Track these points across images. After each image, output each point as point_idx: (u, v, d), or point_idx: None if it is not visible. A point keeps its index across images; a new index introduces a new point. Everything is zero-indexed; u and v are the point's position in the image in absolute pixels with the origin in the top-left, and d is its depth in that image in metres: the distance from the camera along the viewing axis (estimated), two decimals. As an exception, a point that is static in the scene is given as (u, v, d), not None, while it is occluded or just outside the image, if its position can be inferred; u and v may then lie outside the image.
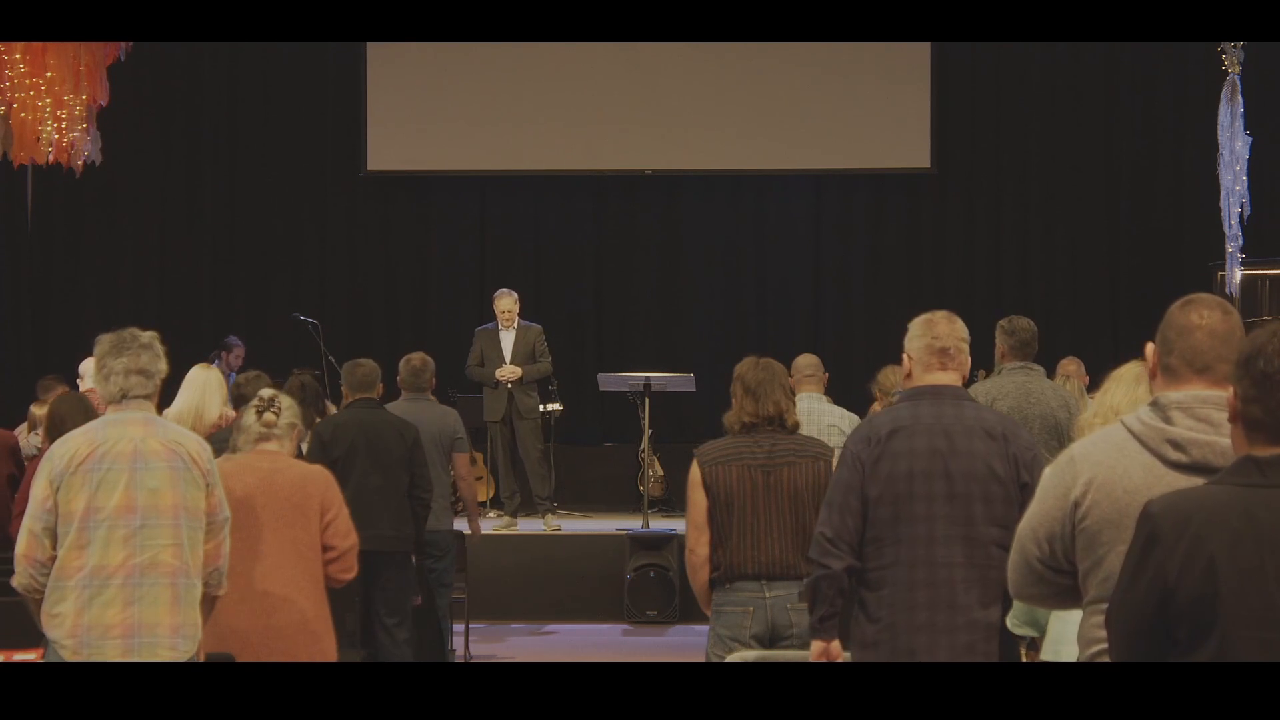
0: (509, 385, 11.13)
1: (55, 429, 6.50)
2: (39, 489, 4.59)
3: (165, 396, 5.11)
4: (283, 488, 5.28)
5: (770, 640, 5.20)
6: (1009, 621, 4.48)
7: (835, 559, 4.28)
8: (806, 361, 8.03)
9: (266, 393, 5.45)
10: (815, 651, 4.41)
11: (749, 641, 5.19)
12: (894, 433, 4.29)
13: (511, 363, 11.13)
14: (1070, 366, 9.70)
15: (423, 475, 7.40)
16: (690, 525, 5.36)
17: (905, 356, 4.45)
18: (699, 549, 5.30)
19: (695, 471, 5.33)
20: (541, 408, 11.56)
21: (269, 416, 5.35)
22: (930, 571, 4.21)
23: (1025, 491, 4.24)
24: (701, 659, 5.53)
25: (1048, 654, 4.51)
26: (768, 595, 5.20)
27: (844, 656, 4.44)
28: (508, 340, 11.23)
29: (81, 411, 6.51)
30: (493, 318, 11.37)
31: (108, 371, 4.67)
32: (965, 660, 4.17)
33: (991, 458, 4.24)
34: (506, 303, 11.25)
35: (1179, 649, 2.45)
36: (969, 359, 4.48)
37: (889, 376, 7.76)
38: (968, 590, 4.21)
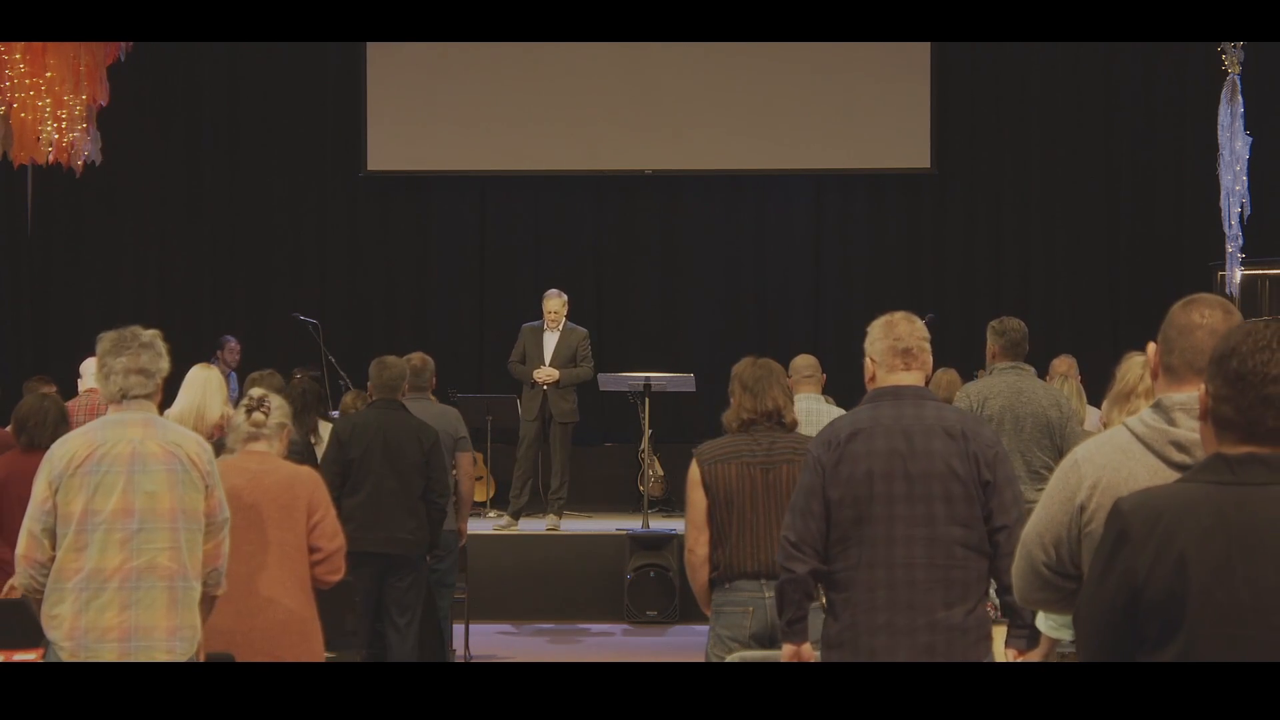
0: (544, 387, 11.12)
1: (20, 432, 6.50)
2: (39, 489, 4.59)
3: (166, 396, 5.10)
4: (271, 488, 5.27)
5: (770, 640, 5.20)
6: (1044, 624, 4.48)
7: (799, 563, 4.31)
8: (804, 362, 8.03)
9: (256, 392, 5.44)
10: (786, 654, 4.46)
11: (748, 641, 5.20)
12: (854, 435, 4.31)
13: (551, 364, 11.11)
14: (1062, 365, 9.71)
15: (440, 479, 7.43)
16: (689, 525, 5.37)
17: (868, 359, 4.46)
18: (698, 549, 5.31)
19: (694, 470, 5.35)
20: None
21: (258, 416, 5.34)
22: (889, 573, 4.22)
23: (988, 490, 4.25)
24: (701, 659, 5.53)
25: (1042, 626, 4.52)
26: (767, 595, 5.18)
27: (815, 658, 4.46)
28: (551, 341, 11.21)
29: (43, 413, 6.50)
30: (539, 315, 11.32)
31: (108, 370, 4.67)
32: (924, 661, 4.16)
33: (951, 457, 4.24)
34: (554, 304, 11.22)
35: (1147, 646, 2.45)
36: (930, 358, 4.49)
37: None
38: (929, 591, 4.20)
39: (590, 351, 11.29)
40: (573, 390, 11.26)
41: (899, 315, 4.47)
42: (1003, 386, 7.00)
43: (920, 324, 4.47)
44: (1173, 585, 2.42)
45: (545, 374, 11.07)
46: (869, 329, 4.49)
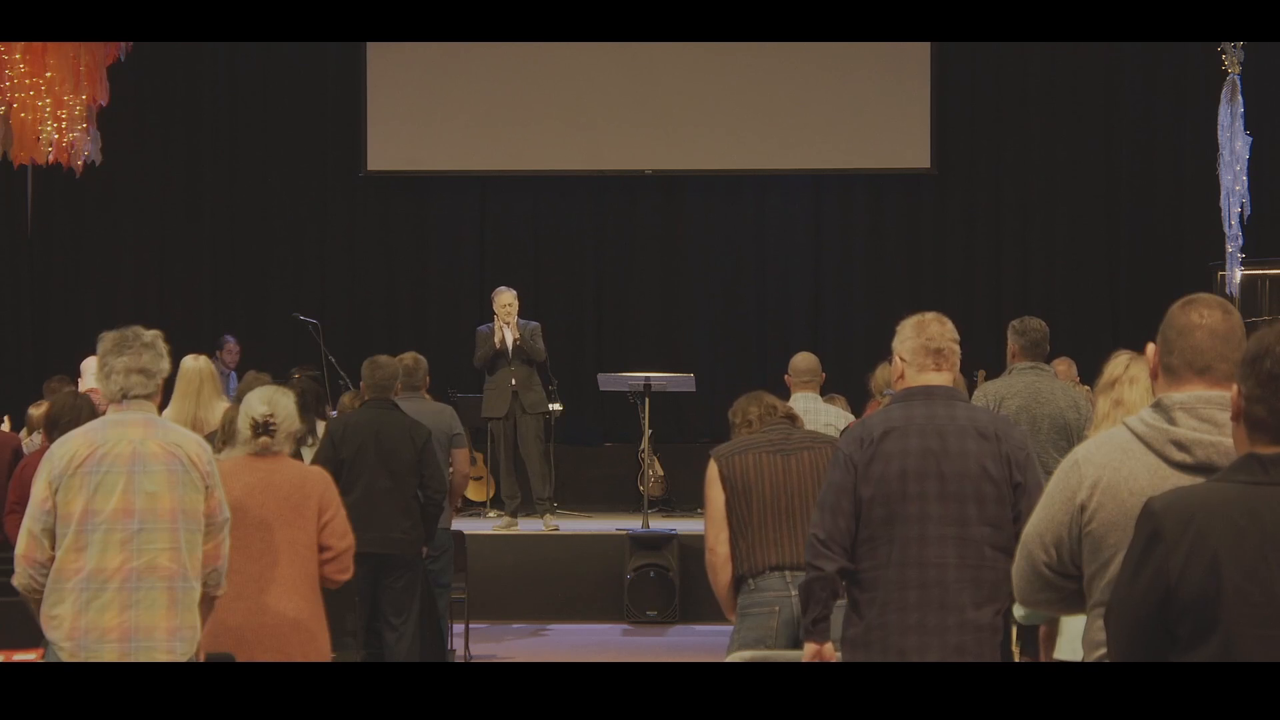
0: (513, 382, 11.11)
1: (52, 429, 6.50)
2: (38, 489, 4.58)
3: (164, 395, 5.10)
4: (281, 487, 5.28)
5: (797, 642, 5.03)
6: (1016, 613, 4.47)
7: (827, 561, 4.28)
8: (805, 365, 8.00)
9: (261, 411, 5.35)
10: (808, 654, 4.41)
11: (775, 645, 5.04)
12: (886, 434, 4.29)
13: (514, 358, 11.10)
14: (1060, 366, 9.67)
15: (436, 476, 7.44)
16: (709, 523, 5.25)
17: (897, 358, 4.44)
18: (719, 547, 5.20)
19: (711, 468, 5.25)
20: (553, 406, 11.52)
21: (264, 439, 5.32)
22: (921, 572, 4.21)
23: (1018, 491, 4.24)
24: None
25: (1064, 652, 4.51)
26: (794, 593, 4.99)
27: (837, 658, 4.44)
28: (509, 337, 11.22)
29: (76, 410, 6.50)
30: (492, 318, 11.35)
31: (109, 370, 4.67)
32: (955, 661, 4.16)
33: (984, 457, 4.24)
34: (507, 297, 11.23)
35: (1180, 647, 2.44)
36: (959, 359, 4.48)
37: (885, 374, 7.75)
38: (960, 591, 4.20)
39: (542, 340, 11.25)
40: (536, 377, 11.24)
41: (930, 315, 4.46)
42: (1021, 387, 6.96)
43: (951, 325, 4.46)
44: (1206, 585, 2.41)
45: (511, 329, 11.03)
46: (899, 328, 4.47)
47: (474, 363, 11.39)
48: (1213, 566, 2.41)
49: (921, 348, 4.39)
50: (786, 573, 5.07)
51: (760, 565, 5.13)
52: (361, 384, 7.72)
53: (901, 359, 4.43)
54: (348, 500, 7.10)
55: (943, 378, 4.39)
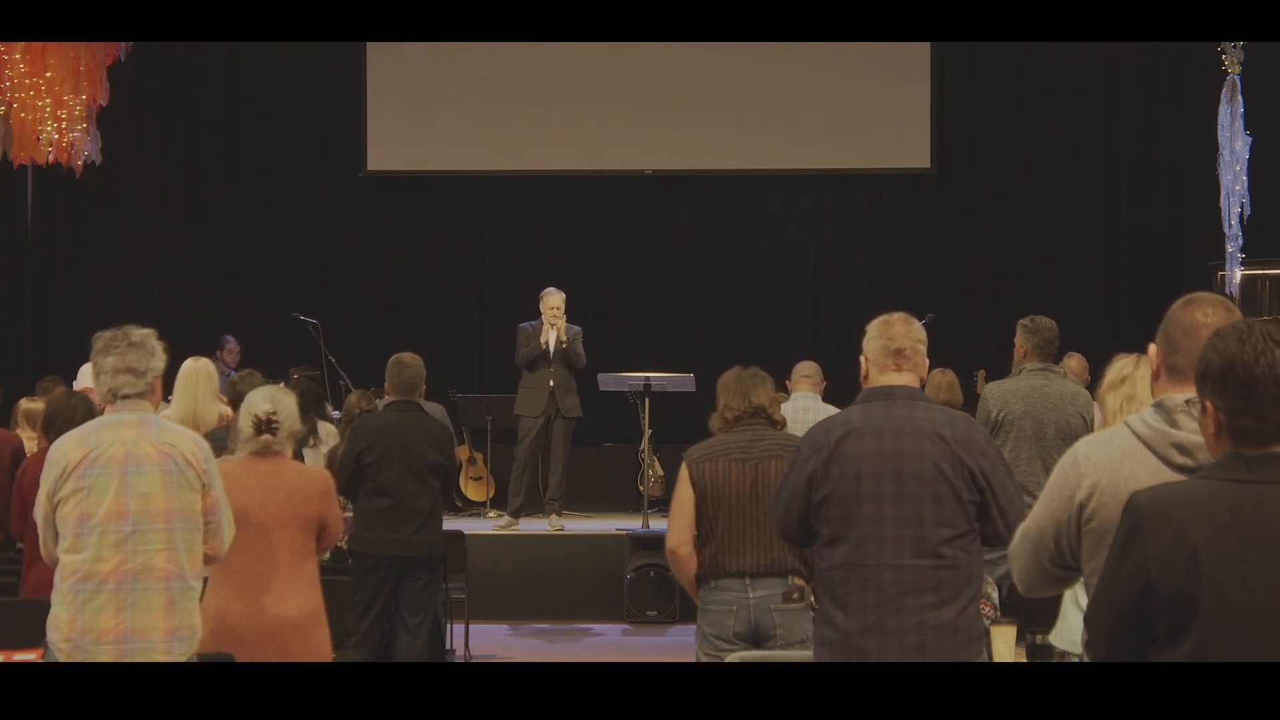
0: (551, 383, 11.10)
1: (48, 428, 6.50)
2: (40, 494, 4.65)
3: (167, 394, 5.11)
4: (282, 488, 5.30)
5: (754, 641, 5.23)
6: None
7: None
8: (804, 367, 8.10)
9: (264, 409, 5.37)
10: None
11: (733, 640, 5.23)
12: (845, 435, 4.29)
13: (554, 359, 11.08)
14: (1071, 363, 9.65)
15: (453, 480, 7.58)
16: (672, 523, 5.44)
17: (862, 359, 4.46)
18: (680, 549, 5.39)
19: (683, 471, 5.42)
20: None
21: (267, 437, 5.33)
22: (878, 573, 4.21)
23: (984, 494, 4.23)
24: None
25: (1063, 641, 4.52)
26: (751, 595, 5.26)
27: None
28: (552, 337, 11.20)
29: (71, 409, 6.50)
30: (536, 315, 11.29)
31: (99, 371, 4.69)
32: (915, 661, 4.15)
33: (941, 459, 4.22)
34: (556, 299, 11.19)
35: (1158, 642, 2.45)
36: (926, 360, 4.47)
37: None
38: (918, 592, 4.19)
39: (582, 346, 11.26)
40: (573, 382, 11.25)
41: (896, 316, 4.47)
42: (1027, 391, 6.91)
43: (917, 325, 4.46)
44: (1185, 581, 2.41)
45: (561, 329, 11.00)
46: (867, 328, 4.49)
47: (516, 361, 11.37)
48: (1192, 562, 2.41)
49: (883, 348, 4.39)
50: (746, 578, 5.28)
51: (722, 570, 5.32)
52: (386, 384, 7.73)
53: (866, 359, 4.45)
54: (374, 504, 7.20)
55: (905, 378, 4.38)
